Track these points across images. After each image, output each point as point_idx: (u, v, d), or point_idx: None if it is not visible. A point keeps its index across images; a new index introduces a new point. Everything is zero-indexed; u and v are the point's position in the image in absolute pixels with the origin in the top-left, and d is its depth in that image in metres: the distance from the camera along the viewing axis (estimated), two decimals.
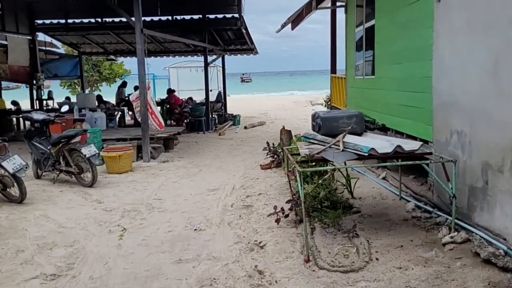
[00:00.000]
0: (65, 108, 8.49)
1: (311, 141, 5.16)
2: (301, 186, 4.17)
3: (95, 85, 23.47)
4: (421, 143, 4.34)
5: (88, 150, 7.21)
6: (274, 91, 54.33)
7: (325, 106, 12.31)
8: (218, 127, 15.51)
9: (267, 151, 8.87)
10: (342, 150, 4.41)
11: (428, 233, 4.56)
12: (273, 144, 9.13)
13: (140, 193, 7.03)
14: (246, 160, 9.79)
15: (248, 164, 9.25)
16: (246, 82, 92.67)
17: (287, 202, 5.35)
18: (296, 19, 10.98)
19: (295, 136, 9.53)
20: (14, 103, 14.98)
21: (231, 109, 23.47)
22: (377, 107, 7.18)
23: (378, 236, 4.62)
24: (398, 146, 4.20)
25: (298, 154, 5.42)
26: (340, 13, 11.41)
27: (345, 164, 4.59)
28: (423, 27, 5.32)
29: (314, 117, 5.31)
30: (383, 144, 4.45)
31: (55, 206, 6.39)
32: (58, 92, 22.70)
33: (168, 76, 23.27)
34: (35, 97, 14.98)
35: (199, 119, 14.55)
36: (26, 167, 6.36)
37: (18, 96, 22.28)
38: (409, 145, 4.36)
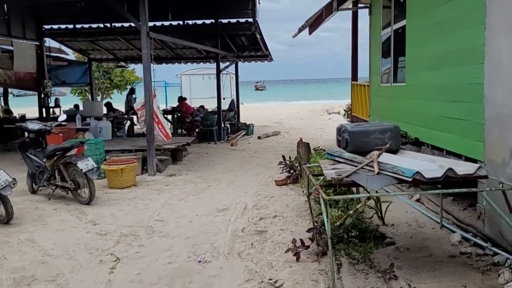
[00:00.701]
0: (62, 117, 7.82)
1: (336, 159, 4.35)
2: (327, 218, 3.37)
3: (106, 92, 23.00)
4: (478, 165, 3.50)
5: (85, 164, 6.50)
6: (289, 100, 53.54)
7: (345, 115, 11.45)
8: (231, 137, 14.77)
9: (283, 165, 8.07)
10: (378, 173, 3.59)
11: (484, 276, 3.71)
12: (289, 157, 8.33)
13: (141, 213, 6.28)
14: (259, 174, 9.00)
15: (262, 179, 8.46)
16: (260, 90, 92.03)
17: (308, 230, 4.54)
18: (314, 22, 10.23)
19: (313, 149, 8.72)
20: (7, 111, 14.43)
21: (244, 117, 22.77)
22: (409, 118, 6.35)
23: (421, 277, 3.78)
24: (450, 169, 3.38)
25: (321, 174, 4.62)
26: (363, 16, 10.64)
27: (381, 190, 3.77)
28: (471, 25, 4.50)
29: (340, 131, 4.51)
30: (428, 166, 3.63)
31: (44, 228, 5.67)
32: (68, 100, 22.31)
33: (180, 84, 22.69)
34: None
35: (210, 128, 13.83)
36: (14, 184, 5.66)
37: (32, 102, 21.95)
38: (462, 168, 3.52)
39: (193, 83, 23.63)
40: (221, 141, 14.02)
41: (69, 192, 6.93)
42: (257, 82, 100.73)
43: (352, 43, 10.54)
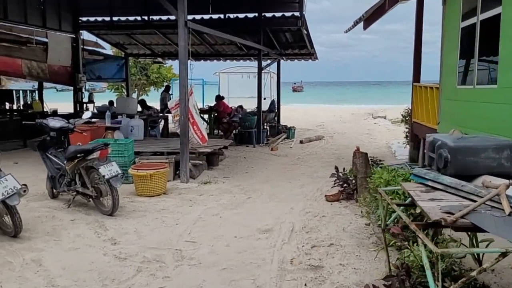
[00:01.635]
0: (87, 114, 7.00)
1: (429, 183, 3.19)
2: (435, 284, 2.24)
3: (143, 89, 22.46)
4: None
5: (109, 170, 5.61)
6: (328, 102, 51.97)
7: (403, 122, 10.15)
8: (270, 140, 13.72)
9: (335, 178, 6.93)
10: (510, 214, 2.43)
11: None
12: (343, 169, 7.18)
13: (170, 231, 5.32)
14: (305, 186, 7.89)
15: (309, 193, 7.35)
16: (298, 91, 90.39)
17: (386, 278, 3.40)
18: (373, 15, 9.01)
19: (372, 161, 7.53)
20: (26, 105, 13.89)
21: (283, 119, 21.68)
22: (501, 129, 5.08)
23: None
24: None
25: (405, 204, 3.48)
26: (430, 6, 9.33)
27: None
28: None
29: (435, 145, 3.36)
30: None
31: (56, 246, 4.79)
32: (108, 96, 21.92)
33: (218, 82, 21.83)
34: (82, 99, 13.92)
35: (249, 130, 12.83)
36: (24, 191, 4.81)
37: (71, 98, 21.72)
38: None
39: (231, 82, 22.72)
40: (260, 145, 12.99)
41: (90, 200, 6.07)
42: (294, 83, 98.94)
43: (416, 39, 9.25)
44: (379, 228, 5.16)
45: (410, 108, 9.80)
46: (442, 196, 2.94)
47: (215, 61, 18.03)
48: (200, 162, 8.36)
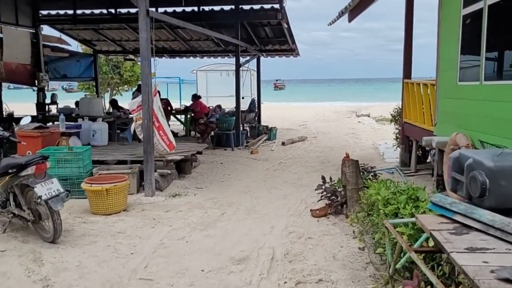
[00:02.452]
0: (25, 120, 5.96)
1: (460, 219, 2.28)
2: None
3: (116, 88, 21.23)
4: None
5: (47, 189, 4.58)
6: (310, 100, 51.27)
7: (392, 121, 9.31)
8: (250, 142, 12.77)
9: (322, 190, 6.03)
10: None
11: None
12: (330, 179, 6.28)
13: (122, 263, 4.32)
14: (288, 197, 6.97)
15: (292, 206, 6.43)
16: (280, 89, 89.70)
17: None
18: (358, 6, 8.15)
19: (363, 168, 6.65)
20: None
21: (264, 118, 20.76)
22: None
23: None
24: None
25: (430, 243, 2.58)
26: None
27: None
28: None
29: (463, 164, 2.46)
30: None
31: None
32: (76, 96, 20.64)
33: (196, 81, 20.76)
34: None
35: (227, 132, 11.85)
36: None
37: (27, 97, 20.40)
38: None
39: (210, 80, 21.70)
40: (239, 148, 12.03)
41: (29, 223, 5.03)
42: (276, 81, 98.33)
43: (406, 31, 8.41)
44: (376, 255, 4.28)
45: (400, 107, 8.97)
46: (483, 240, 2.04)
47: (191, 58, 17.00)
48: (169, 172, 7.35)
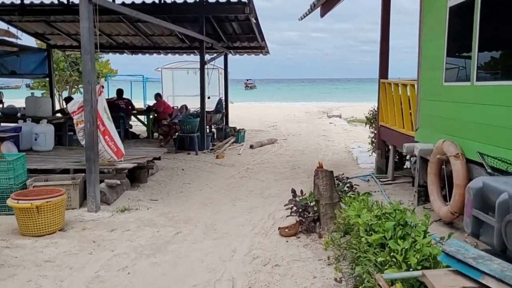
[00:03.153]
0: None
1: (491, 284, 1.55)
2: None
3: (76, 86, 19.95)
4: None
5: None
6: (281, 100, 50.82)
7: (367, 124, 8.66)
8: (216, 145, 11.92)
9: (292, 205, 5.27)
10: None
11: None
12: (301, 192, 5.52)
13: None
14: (254, 210, 6.19)
15: (258, 222, 5.65)
16: (251, 88, 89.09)
17: None
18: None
19: (337, 179, 5.94)
20: None
21: (233, 118, 19.95)
22: None
23: None
24: None
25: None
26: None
27: None
28: None
29: (493, 200, 1.72)
30: None
31: None
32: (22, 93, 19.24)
33: (161, 79, 19.71)
34: None
35: (190, 135, 10.96)
36: None
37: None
38: None
39: (176, 79, 20.67)
40: (204, 151, 11.17)
41: None
42: (247, 80, 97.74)
43: (382, 28, 7.77)
44: None
45: (376, 109, 8.34)
46: None
47: (155, 55, 15.97)
48: (118, 182, 6.43)
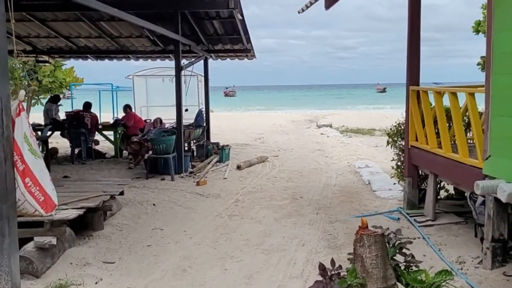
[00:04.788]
0: None
1: None
2: None
3: (36, 97, 17.63)
4: None
5: None
6: (263, 107, 49.20)
7: (390, 144, 6.75)
8: (197, 166, 9.95)
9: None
10: None
11: None
12: (331, 263, 3.60)
13: None
14: (254, 279, 4.24)
15: None
16: (230, 96, 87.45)
17: None
18: None
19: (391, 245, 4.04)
20: None
21: (215, 130, 17.99)
22: None
23: None
24: None
25: None
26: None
27: None
28: None
29: None
30: None
31: None
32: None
33: (133, 88, 17.61)
34: None
35: (165, 156, 8.96)
36: None
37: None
38: None
39: (150, 87, 18.54)
40: (182, 175, 9.20)
41: None
42: (226, 88, 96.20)
43: (410, 25, 5.98)
44: None
45: (403, 123, 6.52)
46: None
47: (124, 60, 13.93)
48: (54, 242, 4.38)
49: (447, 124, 5.44)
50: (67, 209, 4.86)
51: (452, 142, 5.36)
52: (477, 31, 8.93)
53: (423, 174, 6.20)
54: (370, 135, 17.49)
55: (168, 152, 8.99)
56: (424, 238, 5.08)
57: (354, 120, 24.30)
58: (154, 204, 6.94)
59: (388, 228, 4.86)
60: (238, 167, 10.08)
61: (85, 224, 5.42)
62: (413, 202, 6.07)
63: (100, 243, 5.16)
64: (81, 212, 4.76)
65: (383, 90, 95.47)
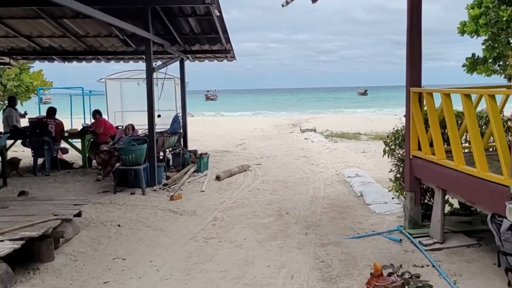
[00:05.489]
0: None
1: None
2: None
3: (1, 102, 16.46)
4: None
5: None
6: (244, 111, 48.40)
7: (388, 153, 5.97)
8: (172, 178, 9.05)
9: None
10: None
11: None
12: None
13: None
14: None
15: None
16: (212, 99, 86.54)
17: None
18: None
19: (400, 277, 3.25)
20: None
21: (193, 135, 17.16)
22: None
23: None
24: None
25: None
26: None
27: None
28: None
29: None
30: None
31: None
32: None
33: (105, 92, 16.55)
34: None
35: (135, 168, 8.05)
36: None
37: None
38: None
39: (125, 91, 17.50)
40: (155, 188, 8.31)
41: None
42: (207, 91, 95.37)
43: (410, 19, 5.24)
44: None
45: (402, 129, 5.77)
46: None
47: (93, 62, 12.94)
48: None
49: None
50: (2, 240, 3.93)
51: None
52: (462, 32, 8.32)
53: (425, 186, 5.45)
54: (356, 140, 16.82)
55: (139, 163, 8.08)
56: (434, 266, 4.31)
57: (338, 124, 23.71)
58: (119, 225, 6.02)
59: (401, 266, 4.10)
60: (217, 178, 9.21)
61: (31, 255, 4.50)
62: (415, 220, 5.31)
63: (47, 280, 4.24)
64: (17, 245, 3.84)
65: (365, 93, 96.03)
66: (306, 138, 17.24)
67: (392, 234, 5.36)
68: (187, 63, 12.31)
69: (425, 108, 5.09)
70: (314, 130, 19.82)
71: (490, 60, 8.27)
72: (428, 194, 5.69)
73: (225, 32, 10.25)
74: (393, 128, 5.95)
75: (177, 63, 11.80)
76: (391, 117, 31.38)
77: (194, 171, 9.92)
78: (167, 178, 9.08)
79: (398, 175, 5.84)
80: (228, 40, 10.91)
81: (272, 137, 18.37)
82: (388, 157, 6.00)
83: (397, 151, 5.84)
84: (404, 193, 5.55)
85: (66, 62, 12.76)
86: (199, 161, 10.11)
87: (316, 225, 5.97)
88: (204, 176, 9.55)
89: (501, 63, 8.26)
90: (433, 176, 4.90)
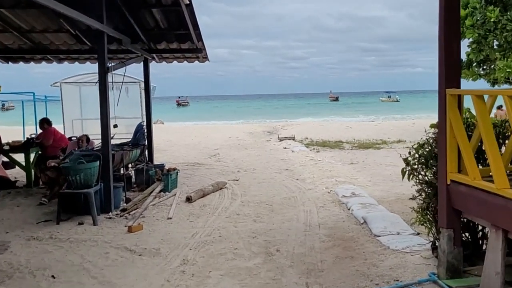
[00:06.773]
0: None
1: None
2: None
3: None
4: None
5: None
6: (217, 118, 46.89)
7: (409, 174, 4.60)
8: (132, 200, 7.47)
9: None
10: None
11: None
12: None
13: None
14: None
15: None
16: (183, 105, 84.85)
17: None
18: None
19: None
20: None
21: (162, 145, 15.59)
22: None
23: None
24: None
25: None
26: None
27: None
28: None
29: None
30: None
31: None
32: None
33: (61, 97, 14.72)
34: None
35: (84, 191, 6.43)
36: None
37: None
38: None
39: (85, 97, 15.70)
40: (111, 214, 6.73)
41: None
42: (179, 97, 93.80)
43: (445, 3, 3.94)
44: None
45: (432, 145, 4.42)
46: None
47: (43, 62, 11.20)
48: None
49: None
50: None
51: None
52: None
53: (465, 219, 4.13)
54: (339, 149, 15.61)
55: (89, 184, 6.48)
56: None
57: (316, 131, 22.56)
58: (53, 276, 4.44)
59: None
60: (188, 199, 7.69)
61: None
62: (455, 266, 3.97)
63: None
64: None
65: (336, 99, 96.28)
66: (285, 148, 15.89)
67: (423, 286, 3.99)
68: (154, 65, 10.78)
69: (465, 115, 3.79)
70: (293, 139, 18.53)
71: (474, 64, 7.35)
72: (467, 231, 4.36)
73: (196, 27, 8.77)
74: (417, 142, 4.57)
75: (141, 65, 10.24)
76: (368, 123, 30.59)
77: (161, 191, 8.35)
78: (127, 200, 7.51)
79: (425, 205, 4.45)
80: (199, 38, 9.44)
81: (248, 146, 16.94)
82: (409, 179, 4.63)
83: (422, 173, 4.47)
84: (434, 228, 4.19)
85: (10, 63, 10.96)
86: (166, 178, 8.54)
87: (319, 269, 4.57)
88: (172, 197, 8.01)
89: (485, 67, 7.40)
90: (487, 211, 3.56)
